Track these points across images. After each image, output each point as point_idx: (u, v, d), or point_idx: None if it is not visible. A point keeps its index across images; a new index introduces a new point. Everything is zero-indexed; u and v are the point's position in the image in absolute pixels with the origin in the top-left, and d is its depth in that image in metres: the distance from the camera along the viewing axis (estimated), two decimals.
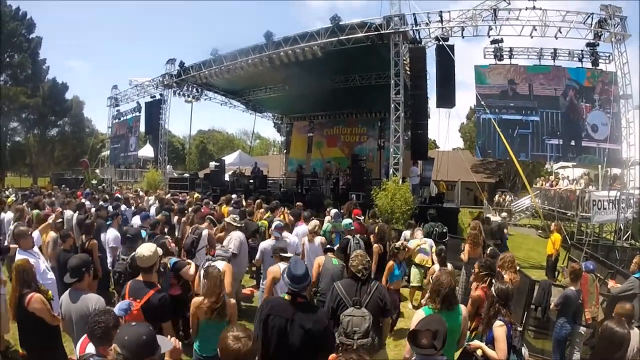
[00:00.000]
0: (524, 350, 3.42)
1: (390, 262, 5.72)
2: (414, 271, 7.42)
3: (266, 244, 5.88)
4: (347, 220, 7.20)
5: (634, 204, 12.41)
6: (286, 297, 3.05)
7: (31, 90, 31.95)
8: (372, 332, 3.18)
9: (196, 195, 13.80)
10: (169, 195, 14.16)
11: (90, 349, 2.47)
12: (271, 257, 5.15)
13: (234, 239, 6.00)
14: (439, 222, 8.78)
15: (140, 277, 3.53)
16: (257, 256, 5.99)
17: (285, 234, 6.35)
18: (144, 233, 5.73)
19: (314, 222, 6.79)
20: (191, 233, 6.42)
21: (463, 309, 3.28)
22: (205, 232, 6.35)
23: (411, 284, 7.53)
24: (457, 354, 3.43)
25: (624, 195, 12.09)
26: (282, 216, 8.73)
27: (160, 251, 3.85)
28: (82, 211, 8.53)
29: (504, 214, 15.86)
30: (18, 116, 32.74)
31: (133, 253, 3.99)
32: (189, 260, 5.12)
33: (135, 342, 1.89)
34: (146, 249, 3.55)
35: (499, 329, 3.30)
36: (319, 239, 6.40)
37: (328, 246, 5.69)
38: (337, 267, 4.87)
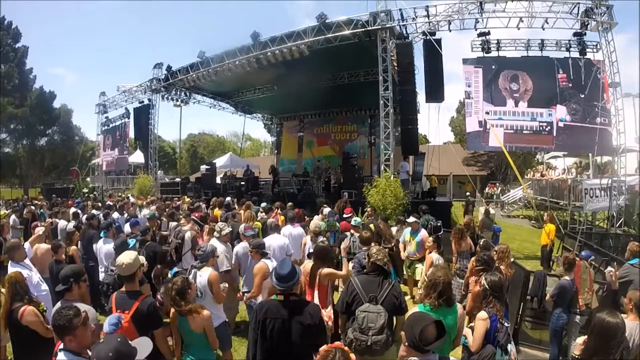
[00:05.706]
0: (511, 347, 3.32)
1: None
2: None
3: (239, 247, 5.59)
4: (356, 219, 7.33)
5: (625, 191, 12.50)
6: (278, 297, 3.08)
7: (19, 100, 31.62)
8: (386, 329, 3.15)
9: (187, 200, 13.76)
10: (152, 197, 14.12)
11: None
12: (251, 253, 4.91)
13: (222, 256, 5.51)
14: (431, 216, 8.76)
15: (123, 288, 3.44)
16: (233, 260, 5.61)
17: (275, 235, 6.22)
18: (131, 242, 5.58)
19: (315, 221, 6.74)
20: (174, 237, 6.23)
21: (459, 307, 3.22)
22: (188, 235, 6.17)
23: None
24: (452, 353, 3.36)
25: (615, 183, 12.17)
26: (280, 217, 8.63)
27: (142, 259, 3.72)
28: (76, 221, 8.37)
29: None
30: (6, 127, 32.35)
31: None
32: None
33: None
34: (126, 257, 3.44)
35: (479, 321, 3.25)
36: (321, 239, 6.33)
37: (310, 250, 5.57)
38: None
